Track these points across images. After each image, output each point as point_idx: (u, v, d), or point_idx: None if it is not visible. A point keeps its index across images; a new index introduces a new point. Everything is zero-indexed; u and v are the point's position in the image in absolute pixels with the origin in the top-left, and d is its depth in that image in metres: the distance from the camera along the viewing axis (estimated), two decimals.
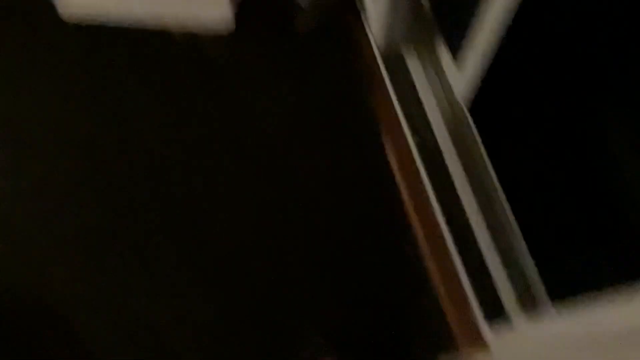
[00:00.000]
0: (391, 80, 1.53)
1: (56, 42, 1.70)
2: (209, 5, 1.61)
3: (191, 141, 1.58)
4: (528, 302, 1.25)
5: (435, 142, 1.45)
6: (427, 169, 1.41)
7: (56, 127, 1.59)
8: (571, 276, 1.23)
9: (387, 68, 1.55)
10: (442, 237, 1.36)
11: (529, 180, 1.46)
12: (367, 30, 1.61)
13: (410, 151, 1.46)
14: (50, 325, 1.36)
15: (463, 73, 1.39)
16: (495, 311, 1.25)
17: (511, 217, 1.33)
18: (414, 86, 1.51)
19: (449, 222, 1.34)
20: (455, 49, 1.45)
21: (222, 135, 1.58)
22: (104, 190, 1.51)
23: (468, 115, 1.45)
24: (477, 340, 1.27)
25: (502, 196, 1.36)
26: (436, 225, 1.38)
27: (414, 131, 1.46)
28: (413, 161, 1.45)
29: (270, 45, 1.69)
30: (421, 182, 1.43)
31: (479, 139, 1.42)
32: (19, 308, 1.38)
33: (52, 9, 1.64)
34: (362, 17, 1.63)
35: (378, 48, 1.56)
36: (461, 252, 1.32)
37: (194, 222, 1.48)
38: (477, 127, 1.43)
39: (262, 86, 1.64)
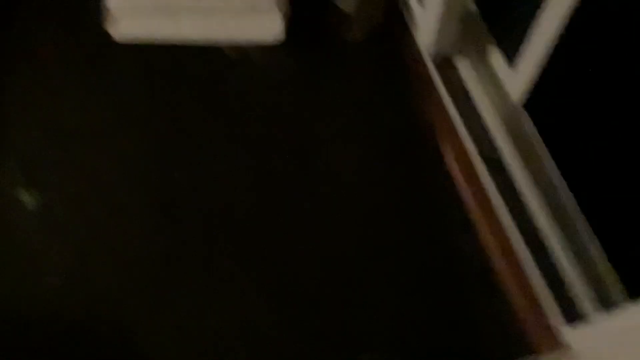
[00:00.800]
0: (444, 86, 1.55)
1: (109, 64, 1.76)
2: (260, 19, 1.64)
3: (254, 161, 1.61)
4: (604, 299, 1.26)
5: (494, 145, 1.46)
6: (490, 173, 1.43)
7: (123, 155, 1.63)
8: None
9: (439, 74, 1.57)
10: (510, 240, 1.37)
11: (595, 176, 1.46)
12: (416, 38, 1.62)
13: (469, 157, 1.48)
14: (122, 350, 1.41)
15: (518, 74, 1.40)
16: (572, 310, 1.25)
17: (580, 215, 1.34)
18: (467, 92, 1.52)
19: (518, 225, 1.35)
20: (508, 51, 1.46)
21: (283, 148, 1.63)
22: (172, 214, 1.55)
23: (527, 115, 1.46)
24: (554, 342, 1.27)
25: (568, 194, 1.37)
26: (503, 228, 1.39)
27: (473, 137, 1.48)
28: (473, 167, 1.46)
29: (320, 54, 1.72)
30: (484, 187, 1.45)
31: (539, 139, 1.43)
32: (93, 336, 1.42)
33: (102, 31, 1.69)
34: (410, 26, 1.65)
35: (429, 55, 1.57)
36: (532, 253, 1.33)
37: (260, 244, 1.52)
38: (537, 127, 1.44)
39: (316, 99, 1.67)
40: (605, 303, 1.24)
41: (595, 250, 1.29)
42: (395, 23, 1.69)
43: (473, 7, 1.57)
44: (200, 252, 1.50)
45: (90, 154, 1.64)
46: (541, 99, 1.43)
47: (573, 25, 1.17)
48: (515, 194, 1.40)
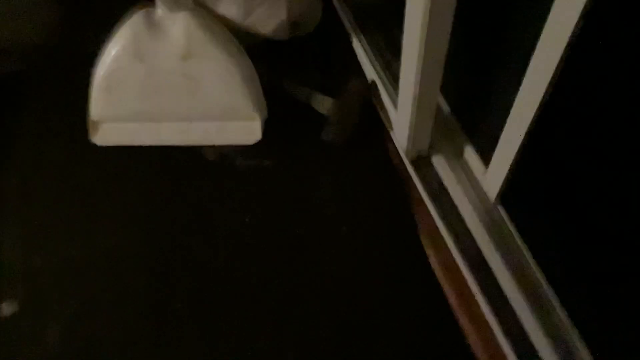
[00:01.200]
0: (422, 184, 1.57)
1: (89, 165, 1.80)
2: (240, 123, 1.67)
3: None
4: None
5: (474, 241, 1.46)
6: (471, 270, 1.41)
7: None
8: None
9: (416, 173, 1.59)
10: (495, 339, 1.34)
11: (575, 274, 1.45)
12: (394, 138, 1.66)
13: (452, 256, 1.47)
14: None
15: (492, 172, 1.42)
16: None
17: (562, 311, 1.31)
18: (445, 189, 1.54)
19: (502, 328, 1.33)
20: (482, 149, 1.49)
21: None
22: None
23: (502, 210, 1.46)
24: None
25: (549, 290, 1.35)
26: (489, 328, 1.36)
27: (452, 233, 1.48)
28: (456, 263, 1.45)
29: (298, 155, 1.75)
30: (466, 284, 1.43)
31: (516, 234, 1.43)
32: None
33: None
34: (387, 126, 1.69)
35: (406, 154, 1.60)
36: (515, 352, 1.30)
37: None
38: (513, 222, 1.44)
39: (295, 199, 1.68)
40: None
41: (576, 342, 1.26)
42: (373, 124, 1.73)
43: (446, 106, 1.62)
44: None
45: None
46: (517, 195, 1.44)
47: (544, 123, 1.20)
48: (499, 293, 1.38)
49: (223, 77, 1.57)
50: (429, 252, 1.54)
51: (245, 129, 1.67)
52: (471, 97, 1.54)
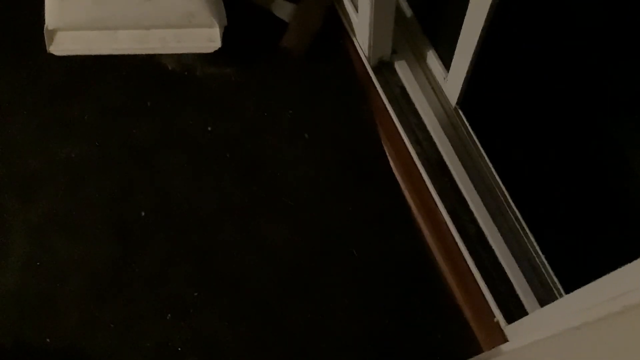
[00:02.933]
0: (383, 89, 1.56)
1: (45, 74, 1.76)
2: (198, 30, 1.63)
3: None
4: (544, 296, 1.27)
5: (435, 146, 1.47)
6: (429, 174, 1.44)
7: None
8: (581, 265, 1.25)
9: (377, 78, 1.58)
10: (453, 242, 1.38)
11: (529, 174, 1.48)
12: (357, 44, 1.63)
13: (412, 159, 1.49)
14: None
15: (452, 75, 1.41)
16: (514, 309, 1.26)
17: (517, 214, 1.35)
18: (407, 94, 1.54)
19: (458, 228, 1.36)
20: (443, 53, 1.48)
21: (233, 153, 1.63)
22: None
23: (462, 115, 1.47)
24: (499, 340, 1.28)
25: (506, 193, 1.38)
26: (447, 229, 1.40)
27: (412, 138, 1.49)
28: (416, 168, 1.47)
29: (259, 62, 1.72)
30: (425, 187, 1.46)
31: (476, 139, 1.44)
32: None
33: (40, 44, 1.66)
34: (349, 32, 1.66)
35: (368, 61, 1.58)
36: (472, 252, 1.34)
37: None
38: (472, 126, 1.45)
39: (258, 106, 1.66)
40: (545, 297, 1.26)
41: (532, 247, 1.31)
42: (336, 31, 1.69)
43: (409, 10, 1.58)
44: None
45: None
46: (476, 99, 1.45)
47: (498, 25, 1.19)
48: (457, 194, 1.41)
49: None
50: (390, 156, 1.55)
51: (204, 36, 1.63)
52: None
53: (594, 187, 1.48)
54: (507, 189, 1.37)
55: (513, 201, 1.36)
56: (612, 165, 1.50)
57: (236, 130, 1.65)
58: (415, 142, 1.49)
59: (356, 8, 1.54)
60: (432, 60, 1.51)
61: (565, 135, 1.55)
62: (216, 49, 1.61)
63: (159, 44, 1.64)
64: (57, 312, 1.50)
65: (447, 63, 1.44)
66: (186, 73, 1.71)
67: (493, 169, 1.40)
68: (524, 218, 1.33)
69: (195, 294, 1.48)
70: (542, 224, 1.33)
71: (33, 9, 1.68)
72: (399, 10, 1.53)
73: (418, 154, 1.47)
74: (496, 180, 1.39)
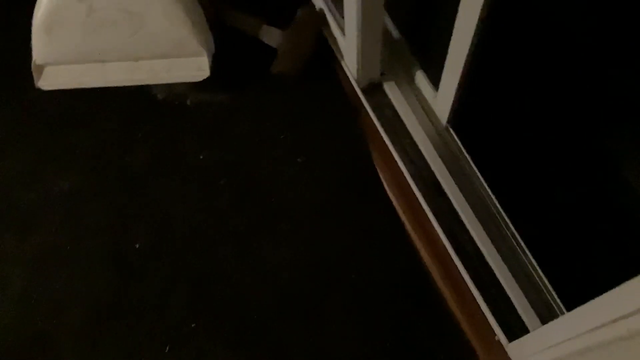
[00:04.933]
0: (374, 112, 1.56)
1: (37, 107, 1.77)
2: (187, 59, 1.63)
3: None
4: (545, 312, 1.26)
5: (428, 165, 1.47)
6: (423, 193, 1.43)
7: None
8: (580, 281, 1.25)
9: (367, 101, 1.58)
10: (451, 261, 1.38)
11: (524, 190, 1.48)
12: (345, 67, 1.64)
13: (405, 179, 1.48)
14: None
15: (441, 95, 1.42)
16: (514, 326, 1.26)
17: (513, 230, 1.35)
18: (398, 115, 1.54)
19: (455, 247, 1.36)
20: (431, 73, 1.49)
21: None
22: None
23: (453, 133, 1.48)
24: (501, 358, 1.27)
25: (501, 210, 1.38)
26: (444, 248, 1.39)
27: (406, 158, 1.49)
28: (410, 187, 1.47)
29: (249, 90, 1.73)
30: (421, 207, 1.45)
31: (468, 157, 1.45)
32: None
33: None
34: (338, 56, 1.67)
35: (358, 84, 1.59)
36: (469, 270, 1.33)
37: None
38: (464, 144, 1.46)
39: (250, 132, 1.66)
40: (544, 314, 1.25)
41: (530, 263, 1.30)
42: (325, 55, 1.70)
43: (396, 31, 1.60)
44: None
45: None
46: (466, 118, 1.46)
47: (486, 44, 1.20)
48: (453, 212, 1.41)
49: (165, 11, 1.52)
50: (384, 178, 1.55)
51: (193, 65, 1.63)
52: (418, 18, 1.53)
53: (591, 200, 1.48)
54: (501, 205, 1.37)
55: (508, 217, 1.36)
56: (608, 180, 1.50)
57: (230, 156, 1.65)
58: (409, 162, 1.49)
59: (343, 31, 1.55)
60: (421, 80, 1.52)
61: (559, 150, 1.55)
62: (205, 77, 1.62)
63: (149, 75, 1.64)
64: (53, 347, 1.47)
65: (436, 83, 1.44)
66: (177, 102, 1.72)
67: (487, 186, 1.40)
68: (520, 235, 1.33)
69: (193, 325, 1.47)
70: (539, 239, 1.33)
71: (26, 43, 1.68)
72: (386, 32, 1.54)
73: (412, 174, 1.46)
74: (490, 197, 1.39)
